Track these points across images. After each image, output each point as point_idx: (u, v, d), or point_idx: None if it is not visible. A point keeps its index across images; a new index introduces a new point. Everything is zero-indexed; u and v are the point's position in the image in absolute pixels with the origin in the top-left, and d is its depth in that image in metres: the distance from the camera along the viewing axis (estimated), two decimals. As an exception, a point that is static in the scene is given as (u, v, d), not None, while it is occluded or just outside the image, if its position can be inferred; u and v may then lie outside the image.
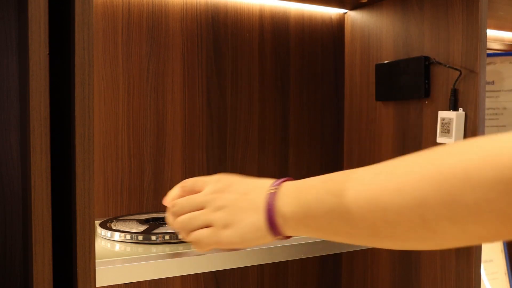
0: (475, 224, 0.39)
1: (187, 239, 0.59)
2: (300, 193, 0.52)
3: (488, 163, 0.38)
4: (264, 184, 0.55)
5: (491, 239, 0.40)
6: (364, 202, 0.46)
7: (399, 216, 0.43)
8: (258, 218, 0.53)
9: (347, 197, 0.47)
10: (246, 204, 0.54)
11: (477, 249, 0.83)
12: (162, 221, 0.77)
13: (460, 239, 0.41)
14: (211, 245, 0.57)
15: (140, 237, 0.67)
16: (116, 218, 0.80)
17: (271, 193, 0.53)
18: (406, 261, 0.97)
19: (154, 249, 0.66)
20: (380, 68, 1.03)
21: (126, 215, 0.85)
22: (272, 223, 0.53)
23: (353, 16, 1.12)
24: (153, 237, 0.67)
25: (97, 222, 0.76)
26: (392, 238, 0.45)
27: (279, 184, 0.54)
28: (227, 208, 0.55)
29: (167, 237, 0.67)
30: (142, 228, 0.72)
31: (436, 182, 0.41)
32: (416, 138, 0.96)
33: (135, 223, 0.76)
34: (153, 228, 0.72)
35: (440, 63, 0.90)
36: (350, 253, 1.12)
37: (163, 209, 0.95)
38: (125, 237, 0.68)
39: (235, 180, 0.58)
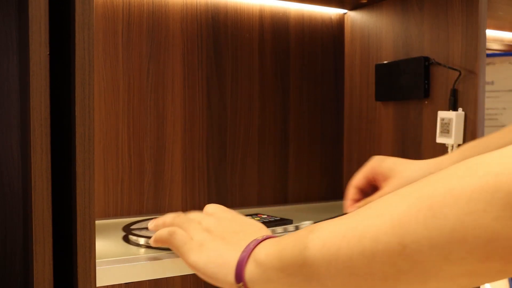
0: (460, 247, 0.33)
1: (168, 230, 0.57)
2: (280, 240, 0.47)
3: (474, 171, 0.33)
4: (256, 232, 0.53)
5: (493, 276, 0.34)
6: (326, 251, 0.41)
7: (377, 244, 0.37)
8: (231, 255, 0.50)
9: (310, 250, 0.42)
10: (230, 239, 0.52)
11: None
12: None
13: (450, 276, 0.35)
14: (176, 250, 0.55)
15: None
16: (133, 225, 0.76)
17: (256, 239, 0.50)
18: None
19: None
20: (380, 68, 1.03)
21: (142, 220, 0.80)
22: (241, 264, 0.48)
23: (353, 17, 1.12)
24: None
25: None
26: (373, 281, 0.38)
27: (269, 237, 0.50)
28: (213, 234, 0.54)
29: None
30: None
31: (415, 203, 0.36)
32: (415, 138, 0.96)
33: None
34: None
35: (439, 64, 0.90)
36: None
37: (162, 212, 0.96)
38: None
39: (237, 217, 0.57)
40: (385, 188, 0.70)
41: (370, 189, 0.75)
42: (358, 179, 0.76)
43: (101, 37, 0.89)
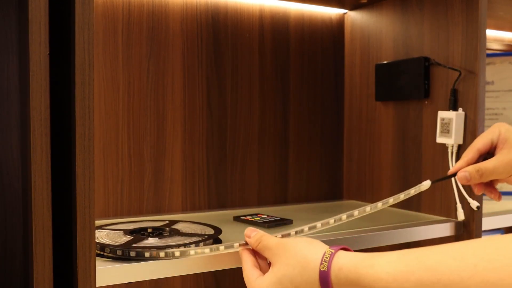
0: None
1: None
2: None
3: None
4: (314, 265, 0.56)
5: None
6: None
7: None
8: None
9: None
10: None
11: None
12: (149, 233, 0.72)
13: None
14: None
15: (119, 252, 0.62)
16: (102, 227, 0.76)
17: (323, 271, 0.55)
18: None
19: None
20: (380, 68, 1.03)
21: (111, 224, 0.79)
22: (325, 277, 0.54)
23: (353, 17, 1.12)
24: (132, 253, 0.61)
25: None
26: None
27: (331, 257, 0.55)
28: None
29: (147, 254, 0.61)
30: (125, 239, 0.67)
31: None
32: (416, 138, 0.96)
33: (121, 234, 0.71)
34: (135, 241, 0.66)
35: (439, 64, 0.90)
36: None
37: (162, 212, 0.96)
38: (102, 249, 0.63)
39: (292, 273, 0.58)
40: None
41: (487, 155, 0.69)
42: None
43: (101, 37, 0.89)
